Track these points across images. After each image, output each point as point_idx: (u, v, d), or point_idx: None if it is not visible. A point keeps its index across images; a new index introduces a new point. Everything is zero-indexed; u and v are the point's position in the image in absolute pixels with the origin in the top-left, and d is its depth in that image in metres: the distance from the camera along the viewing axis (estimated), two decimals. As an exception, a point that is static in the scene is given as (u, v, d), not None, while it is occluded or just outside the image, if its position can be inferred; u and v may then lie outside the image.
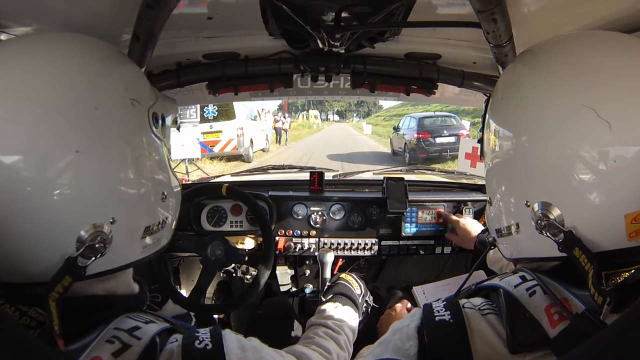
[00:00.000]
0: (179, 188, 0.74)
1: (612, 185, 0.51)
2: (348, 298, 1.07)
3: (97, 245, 0.53)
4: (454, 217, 1.58)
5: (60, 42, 0.61)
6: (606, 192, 0.52)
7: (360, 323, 1.05)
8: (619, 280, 0.49)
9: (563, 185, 0.54)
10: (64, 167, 0.51)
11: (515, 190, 0.63)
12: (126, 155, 0.59)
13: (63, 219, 0.52)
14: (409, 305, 1.17)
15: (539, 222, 0.56)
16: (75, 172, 0.52)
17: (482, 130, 0.80)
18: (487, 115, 0.73)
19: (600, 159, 0.51)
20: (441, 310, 0.59)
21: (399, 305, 1.14)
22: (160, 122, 0.68)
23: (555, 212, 0.55)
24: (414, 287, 1.37)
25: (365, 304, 1.15)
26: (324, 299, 1.08)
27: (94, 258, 0.53)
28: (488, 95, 1.42)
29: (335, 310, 1.01)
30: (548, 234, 0.55)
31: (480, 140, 0.81)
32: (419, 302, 1.31)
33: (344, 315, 1.00)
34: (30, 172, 0.50)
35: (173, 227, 0.72)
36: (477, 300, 0.61)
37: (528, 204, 0.58)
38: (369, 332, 1.14)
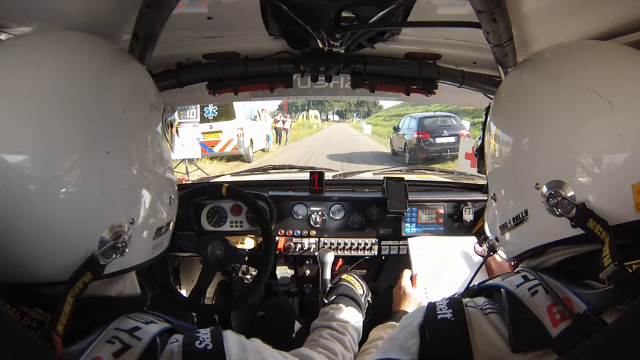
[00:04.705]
0: (176, 189, 0.76)
1: (617, 157, 0.55)
2: (351, 299, 1.07)
3: (119, 245, 0.55)
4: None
5: (79, 44, 0.61)
6: (613, 164, 0.55)
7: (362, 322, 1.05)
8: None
9: (572, 162, 0.56)
10: (91, 169, 0.53)
11: (523, 175, 0.63)
12: (146, 159, 0.62)
13: (87, 219, 0.53)
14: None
15: (550, 200, 0.57)
16: (101, 174, 0.54)
17: (482, 133, 0.80)
18: (490, 109, 0.75)
19: (605, 135, 0.55)
20: (444, 308, 0.59)
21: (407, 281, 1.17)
22: (169, 128, 0.72)
23: (566, 189, 0.56)
24: (409, 239, 1.41)
25: (367, 304, 1.15)
26: (326, 301, 1.08)
27: (114, 256, 0.55)
28: (488, 95, 1.42)
29: (339, 311, 1.01)
30: (560, 211, 0.56)
31: (481, 146, 0.81)
32: (411, 256, 1.33)
33: (348, 316, 1.00)
34: (57, 172, 0.51)
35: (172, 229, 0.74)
36: (480, 300, 0.62)
37: (538, 186, 0.59)
38: (370, 330, 1.13)
